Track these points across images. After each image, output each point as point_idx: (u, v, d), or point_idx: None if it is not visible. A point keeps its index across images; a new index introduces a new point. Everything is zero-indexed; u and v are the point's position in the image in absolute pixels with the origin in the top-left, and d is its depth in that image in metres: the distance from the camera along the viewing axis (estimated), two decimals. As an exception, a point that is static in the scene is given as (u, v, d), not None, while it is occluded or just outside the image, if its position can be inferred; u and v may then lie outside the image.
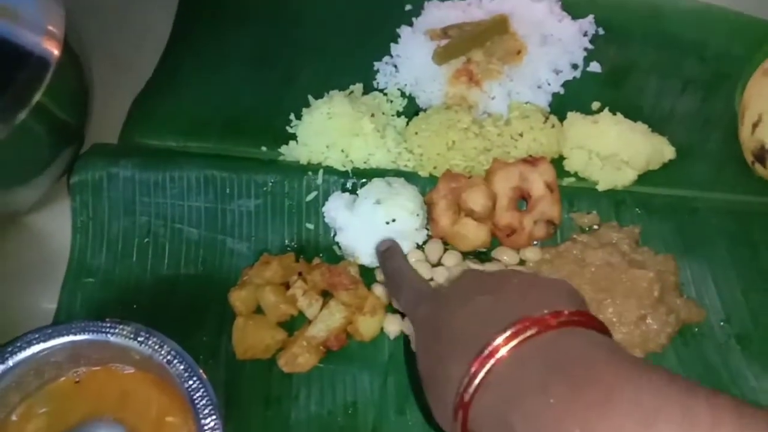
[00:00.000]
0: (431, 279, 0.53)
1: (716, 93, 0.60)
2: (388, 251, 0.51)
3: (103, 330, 0.46)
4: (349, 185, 0.57)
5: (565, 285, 0.37)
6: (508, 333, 0.33)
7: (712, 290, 0.52)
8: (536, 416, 0.31)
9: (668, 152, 0.56)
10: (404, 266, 0.48)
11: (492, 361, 0.33)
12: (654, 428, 0.28)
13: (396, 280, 0.47)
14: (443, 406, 0.36)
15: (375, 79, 0.63)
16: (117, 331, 0.46)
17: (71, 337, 0.46)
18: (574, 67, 0.63)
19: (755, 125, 0.55)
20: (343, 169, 0.57)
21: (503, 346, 0.33)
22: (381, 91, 0.63)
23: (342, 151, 0.57)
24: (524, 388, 0.32)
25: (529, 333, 0.33)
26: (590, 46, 0.63)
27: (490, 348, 0.33)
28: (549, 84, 0.61)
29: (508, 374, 0.33)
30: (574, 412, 0.29)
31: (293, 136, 0.60)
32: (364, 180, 0.57)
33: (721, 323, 0.51)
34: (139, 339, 0.45)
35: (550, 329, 0.33)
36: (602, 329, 0.34)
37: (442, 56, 0.59)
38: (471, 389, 0.33)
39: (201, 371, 0.45)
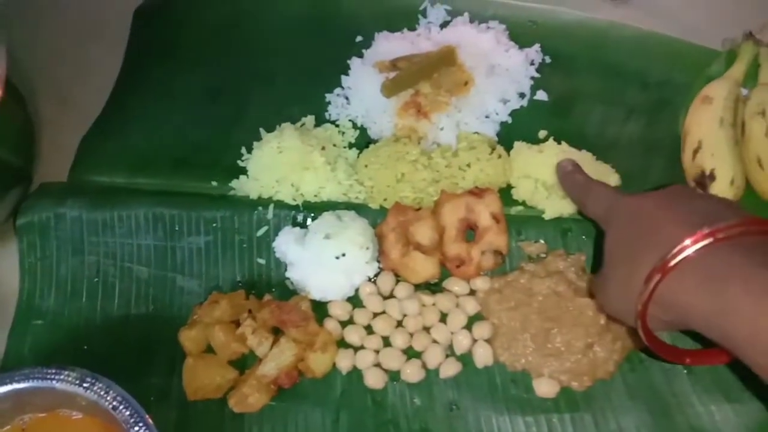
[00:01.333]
0: (383, 312, 0.54)
1: (659, 119, 0.62)
2: (571, 167, 0.54)
3: (48, 377, 0.45)
4: (300, 219, 0.57)
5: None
6: (732, 222, 0.38)
7: (657, 315, 0.53)
8: (757, 281, 0.35)
9: (613, 179, 0.57)
10: (589, 177, 0.52)
11: (710, 240, 0.37)
12: None
13: (583, 187, 0.51)
14: (631, 275, 0.40)
15: (327, 111, 0.64)
16: (62, 377, 0.45)
17: (14, 386, 0.45)
18: (522, 96, 0.64)
19: (695, 152, 0.56)
20: (294, 203, 0.58)
21: (722, 231, 0.38)
22: (333, 122, 0.63)
23: (292, 185, 0.58)
24: (744, 263, 0.37)
25: (753, 228, 0.38)
26: (537, 75, 0.64)
27: (710, 229, 0.38)
28: (497, 114, 0.62)
29: (724, 254, 0.37)
30: None
31: (243, 171, 0.60)
32: (314, 213, 0.57)
33: (667, 348, 0.52)
34: (84, 385, 0.45)
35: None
36: None
37: (389, 89, 0.60)
38: (683, 255, 0.38)
39: (147, 417, 0.44)
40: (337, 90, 0.65)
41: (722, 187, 0.54)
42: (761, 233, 0.38)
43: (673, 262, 0.38)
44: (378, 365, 0.52)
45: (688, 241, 0.38)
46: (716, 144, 0.55)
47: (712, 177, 0.54)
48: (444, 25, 0.68)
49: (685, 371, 0.51)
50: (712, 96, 0.58)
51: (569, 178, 0.53)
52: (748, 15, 0.64)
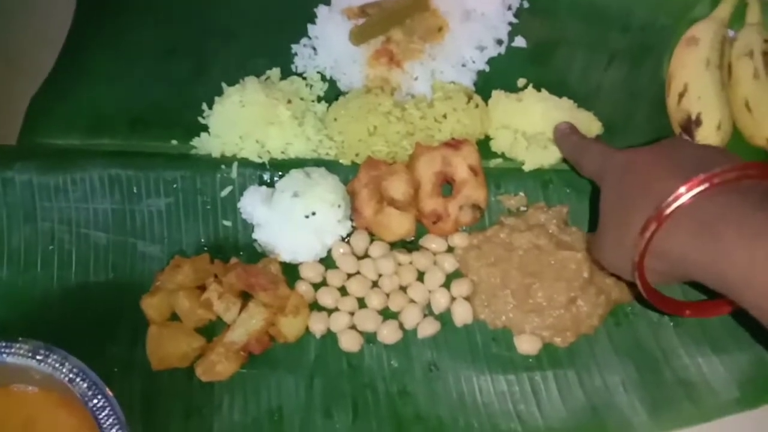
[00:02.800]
0: (357, 272, 0.51)
1: (642, 65, 0.59)
2: (568, 129, 0.52)
3: (-2, 350, 0.42)
4: (266, 178, 0.54)
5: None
6: (727, 167, 0.37)
7: (643, 268, 0.51)
8: (751, 226, 0.34)
9: (595, 127, 0.55)
10: (584, 136, 0.51)
11: (705, 185, 0.36)
12: None
13: (578, 147, 0.50)
14: (626, 228, 0.39)
15: (293, 63, 0.60)
16: (13, 350, 0.42)
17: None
18: (499, 42, 0.60)
19: (681, 95, 0.53)
20: (260, 160, 0.54)
21: (718, 176, 0.36)
22: (300, 75, 0.59)
23: (257, 141, 0.54)
24: (739, 207, 0.35)
25: (750, 172, 0.37)
26: (515, 21, 0.61)
27: (705, 175, 0.36)
28: (473, 62, 0.59)
29: (720, 200, 0.36)
30: None
31: (205, 128, 0.56)
32: (282, 172, 0.54)
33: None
34: (37, 357, 0.42)
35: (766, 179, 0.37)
36: None
37: (358, 36, 0.56)
38: (677, 203, 0.37)
39: (106, 389, 0.41)
40: (304, 40, 0.61)
41: (708, 132, 0.51)
42: (756, 177, 0.37)
43: (668, 211, 0.37)
44: (353, 327, 0.49)
45: (682, 189, 0.37)
46: (702, 87, 0.52)
47: (698, 122, 0.52)
48: (416, -31, 0.64)
49: (672, 323, 0.49)
50: (698, 37, 0.55)
51: (566, 139, 0.51)
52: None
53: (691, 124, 0.52)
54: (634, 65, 0.59)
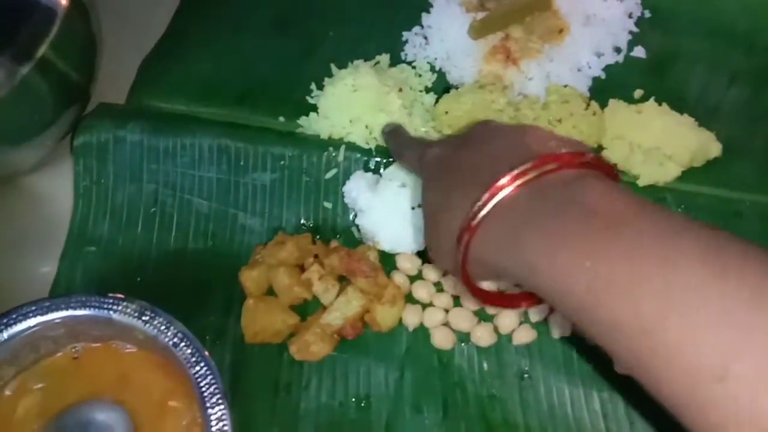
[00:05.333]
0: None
1: (765, 88, 0.57)
2: (392, 131, 0.51)
3: (106, 306, 0.43)
4: (372, 164, 0.53)
5: (576, 139, 0.38)
6: (528, 165, 0.34)
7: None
8: (549, 236, 0.32)
9: (715, 149, 0.53)
10: (410, 137, 0.50)
11: (509, 189, 0.34)
12: (675, 251, 0.29)
13: (401, 141, 0.49)
14: (445, 233, 0.37)
15: (403, 51, 0.59)
16: (120, 308, 0.43)
17: (70, 312, 0.43)
18: (617, 50, 0.59)
19: (810, 125, 0.51)
20: (367, 146, 0.54)
21: (520, 177, 0.34)
22: (409, 63, 0.59)
23: (366, 127, 0.54)
24: (540, 212, 0.33)
25: (549, 167, 0.34)
26: (635, 29, 0.59)
27: (507, 177, 0.34)
28: (590, 67, 0.57)
29: (523, 202, 0.34)
30: (589, 232, 0.31)
31: (314, 108, 0.56)
32: (387, 159, 0.53)
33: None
34: (143, 318, 0.43)
35: (570, 167, 0.34)
36: (615, 177, 0.35)
37: (478, 30, 0.55)
38: (482, 213, 0.34)
39: (208, 356, 0.42)
40: (416, 28, 0.60)
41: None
42: (557, 170, 0.34)
43: (474, 222, 0.35)
44: (446, 325, 0.49)
45: (485, 196, 0.34)
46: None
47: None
48: (536, -34, 0.62)
49: None
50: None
51: (392, 143, 0.51)
52: None
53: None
54: (756, 87, 0.57)
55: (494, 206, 0.34)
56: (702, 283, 0.28)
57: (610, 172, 0.35)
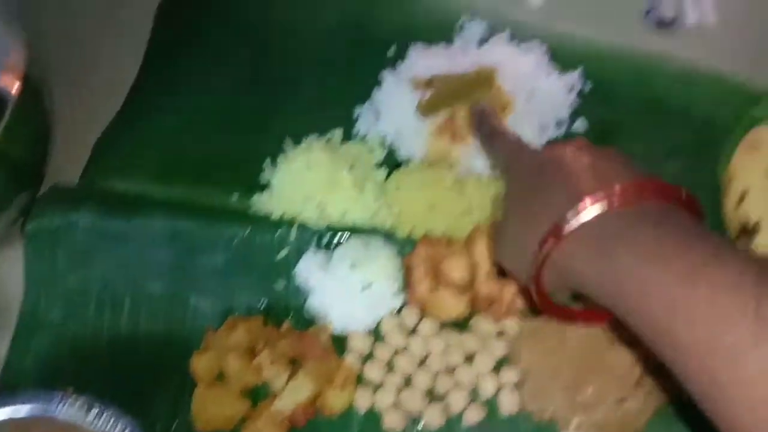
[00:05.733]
0: (405, 348, 0.51)
1: (700, 160, 0.59)
2: (482, 113, 0.53)
3: (50, 403, 0.43)
4: (324, 243, 0.54)
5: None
6: (627, 185, 0.36)
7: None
8: (643, 253, 0.34)
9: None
10: (501, 125, 0.52)
11: (604, 204, 0.36)
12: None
13: (492, 136, 0.51)
14: (527, 235, 0.39)
15: (355, 126, 0.61)
16: (67, 404, 0.43)
17: (17, 408, 0.43)
18: (560, 124, 0.61)
19: (740, 200, 0.54)
20: (319, 225, 0.55)
21: (619, 195, 0.36)
22: (361, 138, 0.60)
23: (318, 205, 0.55)
24: (635, 230, 0.35)
25: (647, 192, 0.36)
26: (576, 103, 0.62)
27: (604, 192, 0.36)
28: (533, 142, 0.59)
29: (617, 218, 0.36)
30: (685, 256, 0.32)
31: (267, 185, 0.57)
32: (340, 237, 0.54)
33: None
34: (91, 414, 0.43)
35: (665, 198, 0.37)
36: (702, 217, 0.38)
37: (426, 109, 0.57)
38: (573, 222, 0.36)
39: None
40: (368, 104, 0.62)
41: (766, 240, 0.51)
42: (652, 198, 0.36)
43: (566, 228, 0.37)
44: (398, 406, 0.49)
45: (581, 206, 0.36)
46: (762, 194, 0.53)
47: (756, 228, 0.52)
48: (482, 41, 0.65)
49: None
50: (760, 142, 0.55)
51: (481, 122, 0.52)
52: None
53: (748, 230, 0.52)
54: (691, 160, 0.59)
55: (587, 217, 0.36)
56: None
57: (700, 213, 0.38)
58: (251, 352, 0.50)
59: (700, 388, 0.32)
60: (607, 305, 0.37)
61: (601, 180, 0.37)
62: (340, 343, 0.51)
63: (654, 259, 0.33)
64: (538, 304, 0.41)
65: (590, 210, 0.36)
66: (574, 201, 0.37)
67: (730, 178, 0.56)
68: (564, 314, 0.43)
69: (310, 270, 0.52)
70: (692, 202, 0.37)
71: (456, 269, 0.50)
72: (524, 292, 0.47)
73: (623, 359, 0.48)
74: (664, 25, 0.67)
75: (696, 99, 0.62)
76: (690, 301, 0.31)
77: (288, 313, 0.53)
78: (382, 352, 0.51)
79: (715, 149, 0.59)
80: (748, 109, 0.60)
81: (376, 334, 0.52)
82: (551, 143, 0.43)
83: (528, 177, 0.42)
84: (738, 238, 0.53)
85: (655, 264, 0.33)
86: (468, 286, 0.51)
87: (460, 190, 0.54)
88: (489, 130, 0.51)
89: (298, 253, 0.54)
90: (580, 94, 0.62)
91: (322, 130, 0.60)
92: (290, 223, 0.55)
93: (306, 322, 0.52)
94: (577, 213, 0.36)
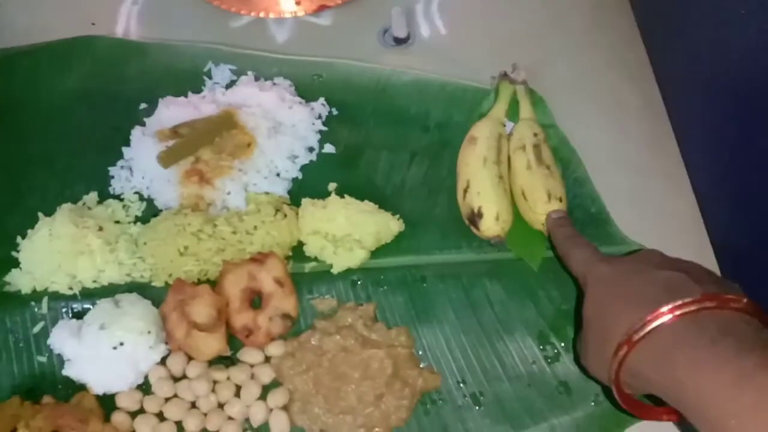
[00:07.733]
0: (175, 395, 0.52)
1: (441, 160, 0.64)
2: (559, 219, 0.56)
3: None
4: (79, 308, 0.54)
5: (731, 283, 0.44)
6: (689, 299, 0.40)
7: (446, 354, 0.55)
8: (702, 359, 0.38)
9: (395, 226, 0.59)
10: (575, 232, 0.55)
11: (669, 316, 0.40)
12: None
13: (567, 243, 0.53)
14: (604, 343, 0.43)
15: (110, 186, 0.62)
16: None
17: None
18: (310, 150, 0.65)
19: (465, 191, 0.59)
20: (71, 292, 0.55)
21: (682, 308, 0.40)
22: (117, 196, 0.61)
23: (67, 273, 0.55)
24: (695, 339, 0.39)
25: (708, 305, 0.40)
26: (324, 128, 0.66)
27: (670, 305, 0.40)
28: (287, 171, 0.63)
29: (680, 328, 0.40)
30: (739, 365, 0.36)
31: (18, 263, 0.56)
32: (94, 300, 0.54)
33: (459, 384, 0.54)
34: None
35: (727, 308, 0.40)
36: (766, 322, 0.40)
37: (165, 160, 0.59)
38: (642, 332, 0.41)
39: None
40: (121, 162, 0.63)
41: (489, 224, 0.57)
42: (714, 308, 0.40)
43: (636, 338, 0.41)
44: (171, 456, 0.50)
45: (648, 318, 0.41)
46: (481, 183, 0.58)
47: (480, 214, 0.57)
48: (231, 85, 0.68)
49: (476, 406, 0.53)
50: (477, 136, 0.61)
51: (557, 231, 0.55)
52: (519, 53, 0.68)
53: (475, 217, 0.58)
54: (433, 162, 0.64)
55: (653, 328, 0.40)
56: None
57: (763, 318, 0.40)
58: (9, 435, 0.48)
59: None
60: (673, 405, 0.40)
61: (666, 292, 0.41)
62: (110, 403, 0.51)
63: (707, 367, 0.37)
64: (621, 403, 0.44)
65: (653, 323, 0.40)
66: (641, 312, 0.41)
67: (458, 172, 0.61)
68: (646, 411, 0.46)
69: (62, 339, 0.52)
70: (754, 307, 0.41)
71: (199, 311, 0.52)
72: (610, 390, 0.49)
73: (373, 360, 0.52)
74: (401, 42, 0.73)
75: (432, 105, 0.68)
76: (739, 406, 0.35)
77: (56, 384, 0.52)
78: (151, 405, 0.51)
79: (453, 148, 0.65)
80: (475, 107, 0.67)
81: (147, 387, 0.52)
82: (626, 254, 0.49)
83: (602, 290, 0.46)
84: (470, 226, 0.59)
85: (708, 372, 0.37)
86: (218, 324, 0.52)
87: (210, 230, 0.56)
88: (565, 237, 0.54)
89: (54, 324, 0.53)
90: (327, 120, 0.66)
91: (78, 196, 0.60)
92: (41, 296, 0.54)
93: (77, 389, 0.52)
94: (645, 324, 0.41)
